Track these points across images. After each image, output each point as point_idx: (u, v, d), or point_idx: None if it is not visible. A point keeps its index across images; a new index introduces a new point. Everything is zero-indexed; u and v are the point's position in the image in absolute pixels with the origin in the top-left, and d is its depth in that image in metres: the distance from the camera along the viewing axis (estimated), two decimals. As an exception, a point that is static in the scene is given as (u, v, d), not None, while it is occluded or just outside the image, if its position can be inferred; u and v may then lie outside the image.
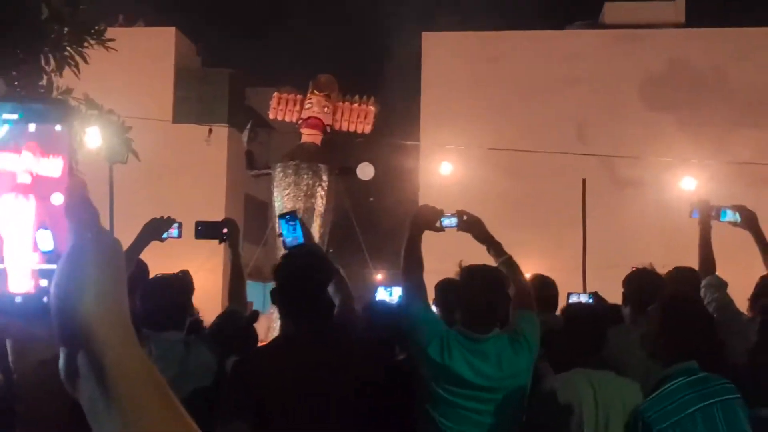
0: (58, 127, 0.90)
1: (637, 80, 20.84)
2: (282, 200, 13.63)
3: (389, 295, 6.17)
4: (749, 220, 4.96)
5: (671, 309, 3.42)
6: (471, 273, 3.78)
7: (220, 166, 21.35)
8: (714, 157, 18.60)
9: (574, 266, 14.16)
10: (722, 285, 4.69)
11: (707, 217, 5.02)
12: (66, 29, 7.51)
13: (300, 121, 13.99)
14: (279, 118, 14.37)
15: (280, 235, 4.28)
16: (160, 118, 18.77)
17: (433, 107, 20.96)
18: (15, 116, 0.87)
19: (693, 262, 5.59)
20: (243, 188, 22.45)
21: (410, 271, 3.90)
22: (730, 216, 5.05)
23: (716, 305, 4.56)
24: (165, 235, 4.43)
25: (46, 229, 0.87)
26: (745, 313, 4.61)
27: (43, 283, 0.86)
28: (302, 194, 13.45)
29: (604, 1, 23.26)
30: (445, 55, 21.46)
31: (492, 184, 18.59)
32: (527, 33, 22.01)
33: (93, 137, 9.02)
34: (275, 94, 14.33)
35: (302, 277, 3.48)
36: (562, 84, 20.49)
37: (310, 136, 13.79)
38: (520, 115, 20.22)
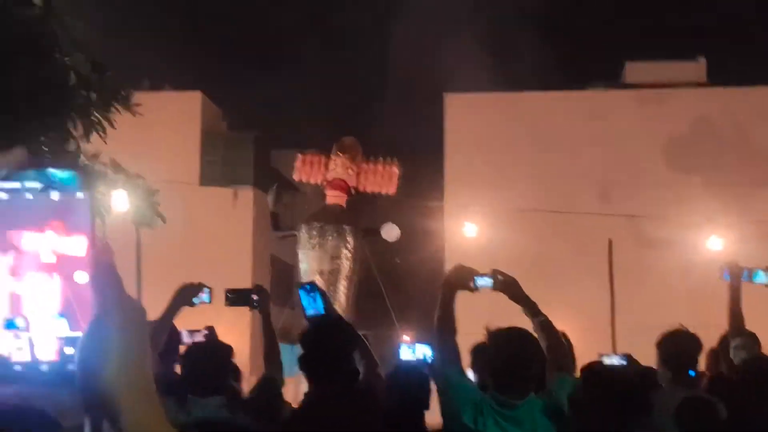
0: (80, 195, 0.94)
1: (660, 140, 20.85)
2: (308, 262, 13.64)
3: (412, 353, 6.11)
4: None
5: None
6: (498, 337, 3.73)
7: (246, 227, 21.47)
8: (739, 216, 18.48)
9: (602, 327, 14.02)
10: (753, 345, 4.64)
11: (738, 278, 4.99)
12: (93, 95, 7.64)
13: (324, 183, 14.08)
14: (303, 179, 14.46)
15: (301, 306, 4.29)
16: (187, 181, 18.96)
17: (457, 168, 21.04)
18: (37, 185, 0.94)
19: (722, 322, 5.53)
20: (269, 250, 22.52)
21: (444, 332, 3.84)
22: (763, 277, 5.01)
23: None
24: (196, 300, 4.46)
25: (62, 316, 0.90)
26: None
27: (68, 351, 0.86)
28: (327, 256, 13.46)
29: (625, 61, 23.39)
30: (467, 115, 21.61)
31: (517, 245, 18.52)
32: (549, 94, 22.14)
33: (120, 201, 9.13)
34: (299, 155, 14.44)
35: (327, 344, 3.51)
36: (586, 144, 20.54)
37: (334, 197, 13.85)
38: (544, 175, 20.24)
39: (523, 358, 3.57)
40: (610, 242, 14.85)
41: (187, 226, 19.11)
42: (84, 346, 0.88)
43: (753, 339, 4.79)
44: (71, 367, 0.77)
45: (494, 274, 4.05)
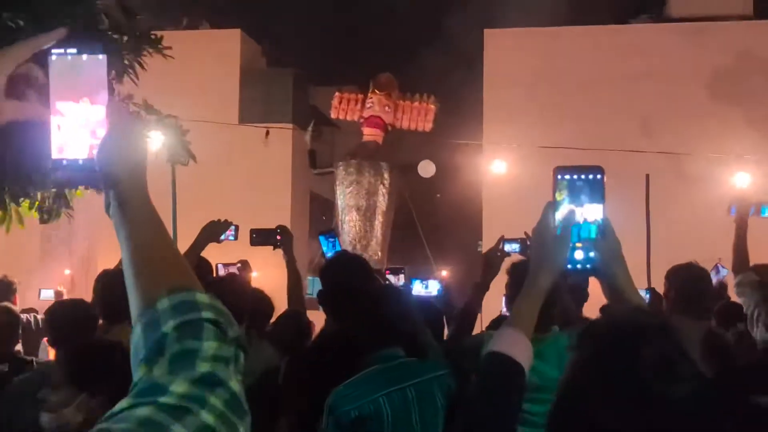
0: (100, 56, 1.41)
1: (704, 74, 20.50)
2: (345, 198, 13.81)
3: (425, 288, 6.23)
4: None
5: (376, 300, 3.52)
6: (518, 267, 3.82)
7: (284, 164, 21.61)
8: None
9: (638, 262, 14.04)
10: (755, 282, 4.69)
11: (745, 214, 5.02)
12: (124, 38, 7.73)
13: (362, 120, 14.16)
14: (341, 117, 14.57)
15: (322, 253, 4.53)
16: (226, 119, 19.11)
17: (496, 105, 20.91)
18: (74, 50, 1.38)
19: (758, 256, 5.56)
20: (308, 186, 22.71)
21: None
22: None
23: (746, 301, 4.59)
24: (222, 237, 4.66)
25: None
26: None
27: (94, 152, 1.37)
28: (364, 192, 13.62)
29: (669, -6, 22.93)
30: (507, 52, 21.38)
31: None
32: (591, 28, 21.80)
33: (153, 140, 9.29)
34: (336, 93, 14.54)
35: (343, 278, 3.64)
36: (627, 79, 20.26)
37: (371, 134, 13.96)
38: (584, 112, 20.06)
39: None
40: (647, 177, 14.73)
41: (226, 163, 19.31)
42: (102, 149, 1.35)
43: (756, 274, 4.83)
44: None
45: (523, 239, 4.14)
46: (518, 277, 3.79)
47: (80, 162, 1.41)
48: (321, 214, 22.37)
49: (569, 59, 20.85)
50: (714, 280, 6.07)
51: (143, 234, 1.28)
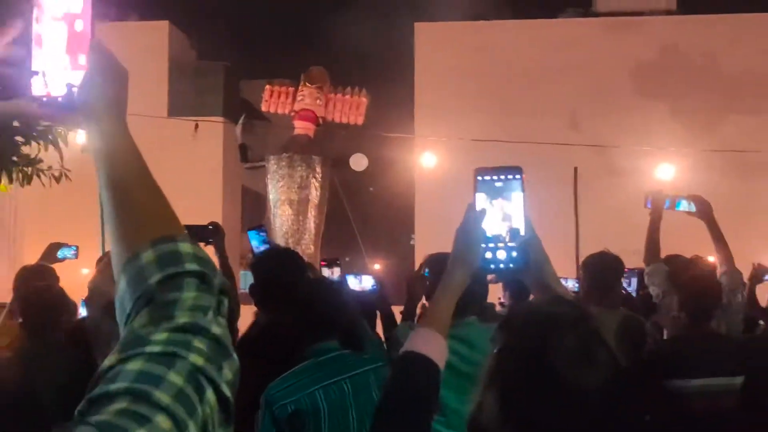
0: None
1: (630, 68, 20.91)
2: (276, 192, 13.74)
3: (359, 283, 6.26)
4: (703, 210, 5.09)
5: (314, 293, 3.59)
6: (435, 261, 3.90)
7: (215, 158, 21.41)
8: (703, 144, 18.74)
9: (567, 252, 14.28)
10: (664, 272, 4.83)
11: (659, 207, 5.16)
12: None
13: (293, 114, 14.10)
14: (272, 110, 14.48)
15: (251, 249, 4.55)
16: (155, 112, 18.83)
17: (426, 97, 21.02)
18: None
19: (683, 248, 5.71)
20: (240, 180, 22.53)
21: None
22: (685, 206, 5.20)
23: (655, 291, 4.74)
24: (60, 256, 4.79)
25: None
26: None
27: (74, 90, 1.36)
28: (296, 186, 13.58)
29: (596, -10, 23.31)
30: (437, 45, 21.51)
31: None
32: (520, 22, 22.07)
33: (80, 133, 9.12)
34: (267, 86, 14.45)
35: (274, 271, 3.64)
36: (555, 72, 20.56)
37: (303, 128, 13.91)
38: (513, 105, 20.29)
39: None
40: (576, 170, 15.00)
41: (156, 157, 18.95)
42: (82, 85, 1.34)
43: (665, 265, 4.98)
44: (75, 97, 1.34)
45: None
46: (436, 269, 3.86)
47: (59, 100, 1.41)
48: (253, 208, 22.25)
49: (499, 53, 21.07)
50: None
51: (125, 176, 1.27)
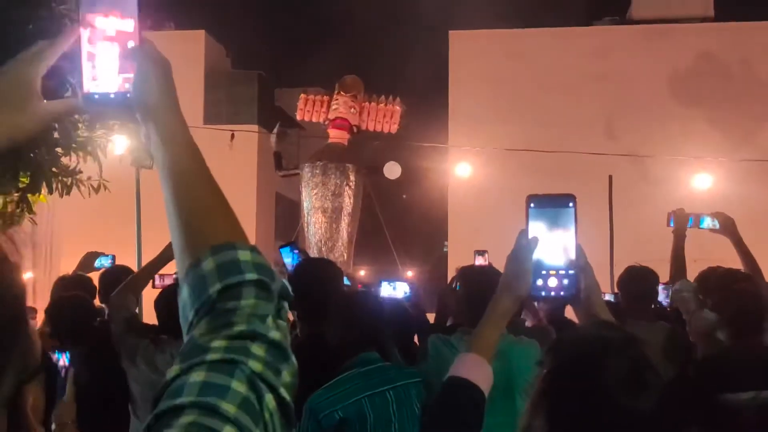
0: None
1: (665, 75, 20.75)
2: (311, 200, 13.80)
3: (393, 289, 6.26)
4: (727, 227, 5.08)
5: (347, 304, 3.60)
6: (469, 276, 3.91)
7: (250, 166, 21.57)
8: (740, 153, 18.52)
9: (602, 263, 14.18)
10: (691, 289, 4.81)
11: (683, 226, 5.17)
12: None
13: (327, 122, 14.16)
14: (306, 119, 14.55)
15: (283, 264, 4.56)
16: (190, 121, 18.90)
17: (461, 106, 21.01)
18: None
19: (721, 258, 5.67)
20: (274, 188, 22.66)
21: None
22: (709, 223, 5.19)
23: (684, 307, 4.72)
24: (98, 265, 4.87)
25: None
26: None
27: (127, 86, 1.36)
28: (330, 194, 13.62)
29: (632, -3, 23.19)
30: (472, 53, 21.50)
31: (517, 183, 18.59)
32: (555, 30, 21.98)
33: (118, 144, 9.25)
34: (302, 95, 14.52)
35: (315, 281, 3.66)
36: (590, 80, 20.46)
37: (337, 136, 13.96)
38: (547, 113, 20.21)
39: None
40: (611, 178, 14.89)
41: (191, 165, 19.17)
42: (135, 82, 1.33)
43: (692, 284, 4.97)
44: (129, 95, 1.35)
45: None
46: (468, 284, 3.85)
47: (112, 95, 1.38)
48: (286, 216, 22.34)
49: (534, 61, 21.01)
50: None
51: (187, 175, 1.27)
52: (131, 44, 1.38)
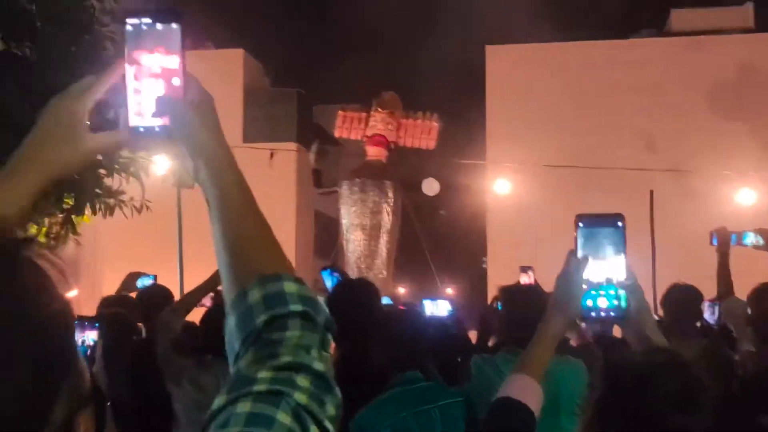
0: (174, 26, 1.41)
1: (706, 87, 20.53)
2: (349, 217, 13.84)
3: (436, 307, 6.26)
4: None
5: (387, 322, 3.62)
6: (512, 296, 3.90)
7: (289, 183, 21.63)
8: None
9: (644, 280, 14.01)
10: (740, 307, 4.76)
11: (726, 243, 5.11)
12: None
13: (365, 139, 14.22)
14: (344, 136, 14.63)
15: (324, 288, 4.60)
16: (230, 139, 19.03)
17: (499, 122, 20.93)
18: (149, 21, 1.39)
19: (763, 274, 5.59)
20: (313, 205, 22.73)
21: None
22: (752, 238, 5.13)
23: (734, 325, 4.68)
24: (139, 285, 4.98)
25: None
26: None
27: (171, 120, 1.38)
28: (368, 211, 13.66)
29: (670, 9, 23.01)
30: (509, 68, 21.42)
31: (557, 199, 18.48)
32: (592, 43, 21.86)
33: (160, 165, 9.33)
34: (340, 112, 14.61)
35: (352, 302, 3.69)
36: (630, 94, 20.30)
37: (375, 153, 14.01)
38: (586, 127, 20.08)
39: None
40: (652, 193, 14.73)
41: (231, 183, 19.30)
42: (182, 115, 1.36)
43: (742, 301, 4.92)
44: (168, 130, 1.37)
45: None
46: (511, 307, 3.84)
47: (156, 129, 1.39)
48: (325, 233, 22.40)
49: (571, 74, 20.90)
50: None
51: (235, 209, 1.31)
52: (176, 80, 1.39)
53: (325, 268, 4.90)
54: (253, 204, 1.34)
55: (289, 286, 1.19)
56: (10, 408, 0.84)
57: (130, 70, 1.40)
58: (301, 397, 1.07)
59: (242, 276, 1.22)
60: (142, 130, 1.40)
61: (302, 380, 1.09)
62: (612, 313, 1.98)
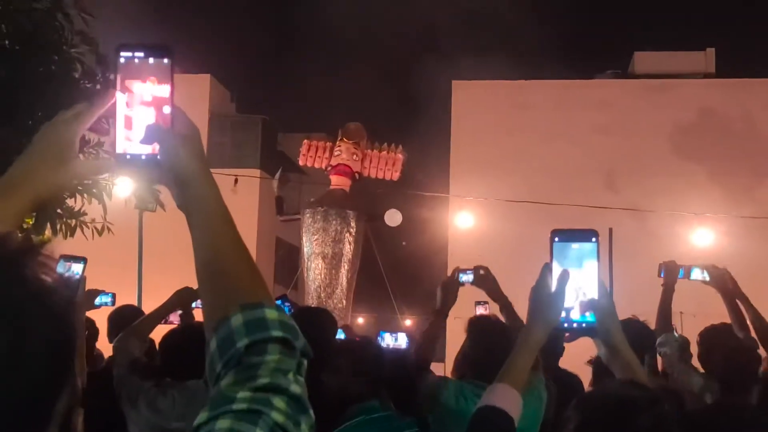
0: (165, 61, 1.45)
1: (667, 130, 20.90)
2: (311, 245, 13.82)
3: (395, 341, 6.28)
4: (717, 279, 5.05)
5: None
6: (479, 328, 3.93)
7: (251, 210, 21.63)
8: (741, 210, 18.57)
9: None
10: (674, 342, 4.80)
11: (673, 277, 5.14)
12: (97, 87, 7.83)
13: (329, 168, 14.24)
14: (309, 164, 14.63)
15: None
16: (193, 163, 19.09)
17: (463, 155, 21.12)
18: (141, 54, 1.45)
19: (719, 313, 5.67)
20: (275, 232, 22.69)
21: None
22: (698, 274, 5.16)
23: (667, 361, 4.73)
24: (98, 303, 4.90)
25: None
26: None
27: (158, 149, 1.40)
28: (330, 240, 13.64)
29: (633, 51, 23.42)
30: (475, 103, 21.66)
31: (518, 233, 18.63)
32: (557, 82, 22.18)
33: (122, 187, 9.27)
34: (305, 141, 14.62)
35: (311, 330, 3.69)
36: (592, 133, 20.60)
37: (339, 182, 14.03)
38: (549, 164, 20.32)
39: (498, 343, 3.71)
40: (611, 231, 14.94)
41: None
42: (168, 146, 1.38)
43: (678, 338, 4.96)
44: (159, 157, 1.40)
45: (476, 269, 4.31)
46: (478, 336, 3.88)
47: (143, 157, 1.42)
48: (285, 260, 22.32)
49: (536, 112, 21.16)
50: None
51: (219, 238, 1.36)
52: (167, 109, 1.42)
53: (278, 298, 4.92)
54: (236, 234, 1.38)
55: (271, 314, 1.24)
56: (23, 399, 0.88)
57: (121, 98, 1.44)
58: (278, 417, 1.13)
59: (225, 302, 1.27)
60: (128, 157, 1.43)
61: (279, 401, 1.15)
62: (584, 325, 2.03)
